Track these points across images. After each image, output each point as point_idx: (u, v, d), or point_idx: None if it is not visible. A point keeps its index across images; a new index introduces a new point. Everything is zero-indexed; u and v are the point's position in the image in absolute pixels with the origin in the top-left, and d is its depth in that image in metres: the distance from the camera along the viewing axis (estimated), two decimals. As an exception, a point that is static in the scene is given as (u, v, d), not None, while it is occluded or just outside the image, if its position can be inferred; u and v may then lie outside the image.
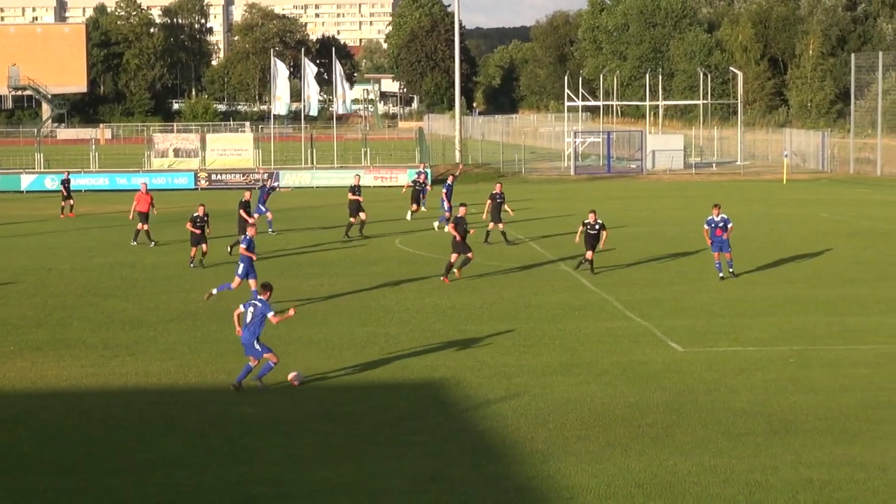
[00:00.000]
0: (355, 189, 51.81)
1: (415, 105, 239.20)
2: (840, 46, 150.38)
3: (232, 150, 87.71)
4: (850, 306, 35.01)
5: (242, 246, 35.20)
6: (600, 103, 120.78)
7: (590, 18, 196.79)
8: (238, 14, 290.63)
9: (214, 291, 34.55)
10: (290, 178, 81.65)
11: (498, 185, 50.26)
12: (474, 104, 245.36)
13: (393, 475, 19.85)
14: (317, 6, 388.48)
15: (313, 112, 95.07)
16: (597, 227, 40.09)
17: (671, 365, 27.60)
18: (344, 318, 33.41)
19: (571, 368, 27.19)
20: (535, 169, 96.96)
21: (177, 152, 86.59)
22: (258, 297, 26.29)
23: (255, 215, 51.17)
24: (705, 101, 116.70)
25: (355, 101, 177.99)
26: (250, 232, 35.55)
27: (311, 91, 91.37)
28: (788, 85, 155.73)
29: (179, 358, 28.64)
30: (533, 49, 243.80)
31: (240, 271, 34.82)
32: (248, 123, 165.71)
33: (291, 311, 26.93)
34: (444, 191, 53.96)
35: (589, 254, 40.22)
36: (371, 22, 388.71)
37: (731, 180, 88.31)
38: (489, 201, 48.18)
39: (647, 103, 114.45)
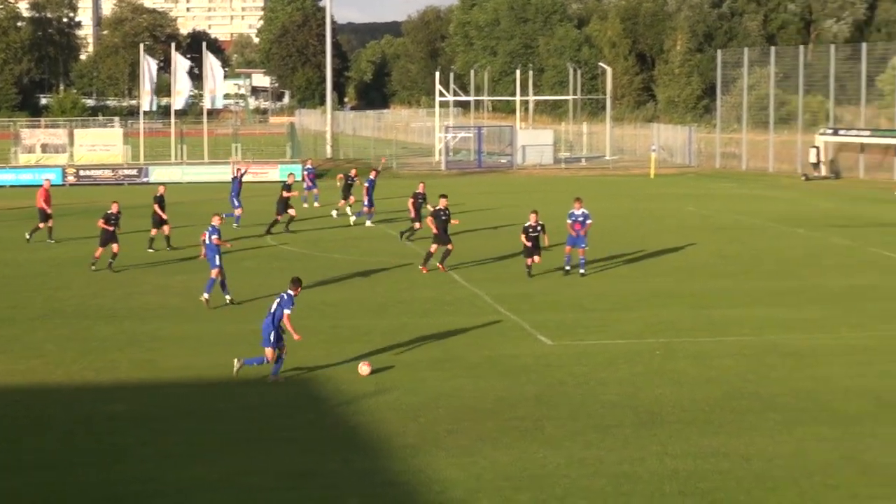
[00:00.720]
0: (288, 186, 52.15)
1: (286, 100, 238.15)
2: (707, 42, 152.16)
3: (101, 145, 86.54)
4: (715, 299, 35.59)
5: (216, 237, 34.54)
6: (471, 98, 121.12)
7: (461, 14, 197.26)
8: (107, 8, 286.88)
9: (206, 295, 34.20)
10: (159, 174, 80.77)
11: (421, 184, 50.33)
12: (346, 99, 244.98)
13: (263, 471, 19.83)
14: (188, 0, 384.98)
15: (183, 107, 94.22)
16: (538, 228, 38.83)
17: (541, 358, 27.86)
18: (214, 315, 33.24)
19: (442, 363, 27.32)
20: (406, 164, 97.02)
21: (44, 148, 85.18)
22: (288, 290, 25.95)
23: (236, 210, 52.60)
24: (575, 97, 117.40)
25: (226, 96, 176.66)
26: (216, 221, 35.01)
27: (182, 86, 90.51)
28: (656, 80, 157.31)
29: (46, 356, 28.29)
30: (405, 44, 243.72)
31: (217, 261, 34.29)
32: (117, 119, 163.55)
33: (297, 337, 26.06)
34: (367, 185, 54.29)
35: (537, 258, 38.91)
36: (242, 16, 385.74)
37: (600, 175, 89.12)
38: (411, 199, 48.34)
39: (518, 98, 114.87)
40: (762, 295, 36.28)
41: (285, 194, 51.86)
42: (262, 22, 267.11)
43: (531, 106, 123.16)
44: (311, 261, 43.47)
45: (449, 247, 40.45)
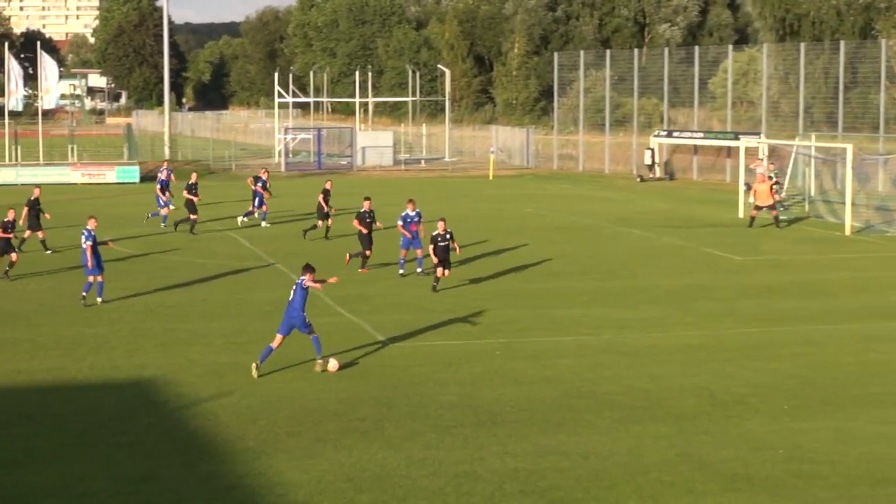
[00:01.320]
0: (191, 187, 51.82)
1: (123, 100, 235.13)
2: (543, 45, 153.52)
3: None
4: (554, 299, 35.97)
5: (89, 243, 34.19)
6: (311, 100, 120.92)
7: (299, 15, 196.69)
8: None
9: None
10: (-8, 176, 79.26)
11: (328, 182, 50.96)
12: (184, 100, 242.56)
13: (101, 477, 19.59)
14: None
15: (18, 108, 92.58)
16: (447, 237, 37.10)
17: (381, 360, 27.92)
18: (50, 318, 32.73)
19: (282, 365, 27.20)
20: (245, 165, 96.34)
21: None
22: (302, 277, 26.62)
23: (162, 209, 53.51)
24: (414, 99, 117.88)
25: (62, 97, 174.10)
26: (91, 224, 34.61)
27: (15, 86, 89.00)
28: (494, 83, 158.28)
29: None
30: (243, 45, 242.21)
31: (91, 266, 34.35)
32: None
33: (334, 279, 28.94)
34: (259, 185, 55.16)
35: (447, 272, 36.99)
36: (77, 16, 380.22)
37: (439, 176, 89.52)
38: (322, 196, 49.48)
39: (357, 100, 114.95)
40: (599, 295, 36.80)
41: (186, 194, 51.55)
42: (97, 21, 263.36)
43: (371, 107, 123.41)
44: (147, 262, 43.03)
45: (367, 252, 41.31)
